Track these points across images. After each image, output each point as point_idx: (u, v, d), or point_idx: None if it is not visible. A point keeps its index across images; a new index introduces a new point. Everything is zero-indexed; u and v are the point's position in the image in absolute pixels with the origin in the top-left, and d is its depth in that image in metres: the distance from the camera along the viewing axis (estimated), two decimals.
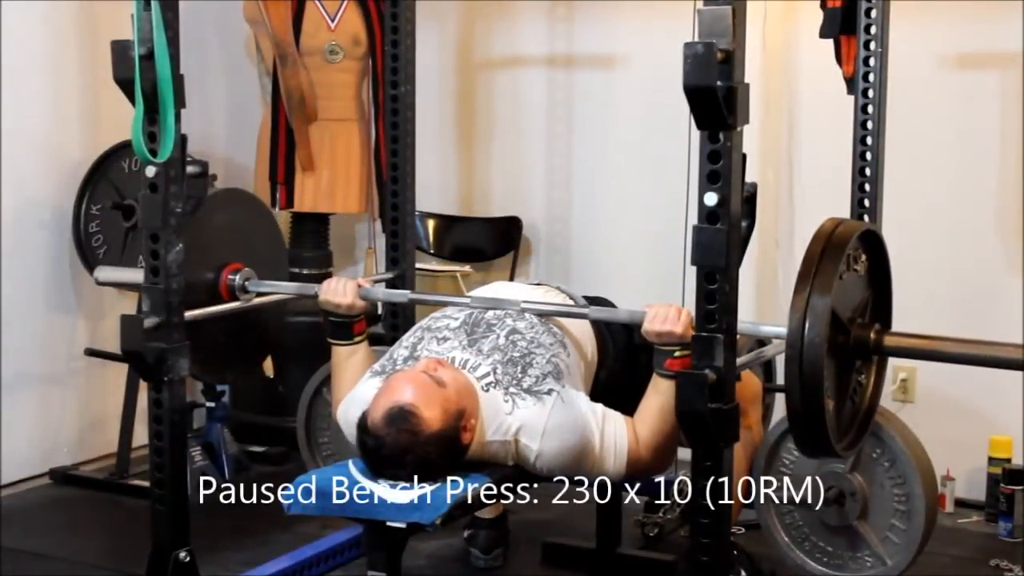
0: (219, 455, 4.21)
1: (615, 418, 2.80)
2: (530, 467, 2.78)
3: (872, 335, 2.70)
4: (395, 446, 2.59)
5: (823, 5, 3.60)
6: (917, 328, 4.00)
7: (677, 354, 2.70)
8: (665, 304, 2.73)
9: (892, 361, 4.01)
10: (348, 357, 3.09)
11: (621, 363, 3.02)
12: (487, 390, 2.75)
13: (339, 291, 3.07)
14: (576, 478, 2.85)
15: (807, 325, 2.47)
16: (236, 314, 3.33)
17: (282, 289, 3.40)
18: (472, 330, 2.88)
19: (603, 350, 3.02)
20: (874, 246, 2.75)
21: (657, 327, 2.70)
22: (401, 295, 3.30)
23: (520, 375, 2.77)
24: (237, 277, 3.29)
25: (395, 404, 2.61)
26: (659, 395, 2.76)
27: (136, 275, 3.31)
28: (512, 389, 2.75)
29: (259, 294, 3.33)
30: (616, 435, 2.78)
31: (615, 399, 2.85)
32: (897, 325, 3.74)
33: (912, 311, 3.98)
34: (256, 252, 3.43)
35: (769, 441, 3.08)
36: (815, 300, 2.48)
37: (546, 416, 2.73)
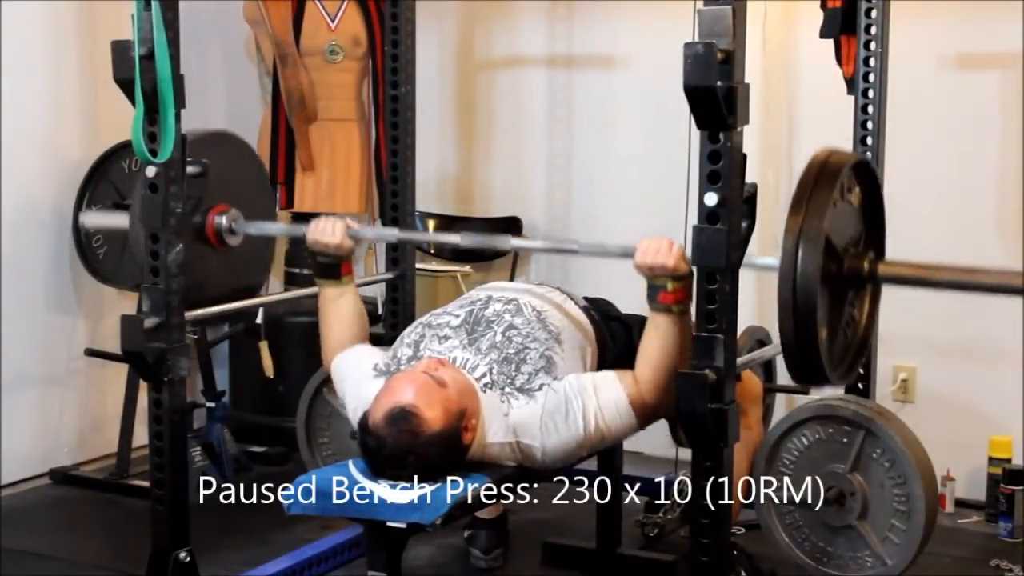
0: (219, 455, 4.21)
1: (608, 381, 2.77)
2: (539, 464, 2.77)
3: (866, 264, 2.64)
4: (396, 446, 2.59)
5: (823, 5, 3.60)
6: (917, 328, 4.04)
7: (670, 287, 2.66)
8: (656, 237, 2.68)
9: (892, 361, 4.06)
10: (336, 298, 3.10)
11: (620, 364, 3.02)
12: (485, 391, 2.75)
13: (327, 230, 3.07)
14: (590, 458, 2.82)
15: (801, 247, 2.42)
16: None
17: (269, 230, 3.39)
18: (472, 328, 2.88)
19: (603, 350, 3.01)
20: (867, 177, 2.70)
21: (649, 260, 2.66)
22: (391, 234, 3.30)
23: (514, 373, 2.77)
24: (224, 218, 3.23)
25: (396, 404, 2.61)
26: (657, 331, 2.72)
27: (121, 219, 3.29)
28: (507, 389, 2.75)
29: (246, 235, 3.28)
30: (615, 399, 2.74)
31: None
32: (896, 322, 3.75)
33: (912, 309, 4.00)
34: (243, 195, 3.38)
35: (769, 441, 3.08)
36: (809, 222, 2.43)
37: (540, 412, 2.73)
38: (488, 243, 3.12)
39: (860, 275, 2.63)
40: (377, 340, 3.45)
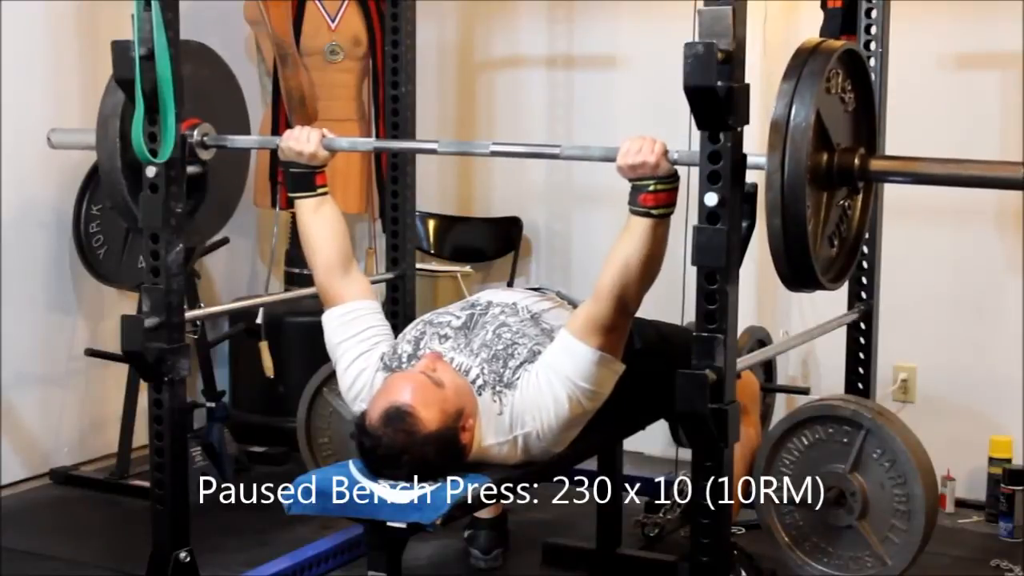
0: (219, 455, 4.21)
1: (562, 343, 2.71)
2: (542, 451, 2.75)
3: (857, 159, 2.60)
4: (392, 446, 2.59)
5: (823, 5, 3.60)
6: (917, 329, 4.04)
7: (652, 188, 2.58)
8: (639, 136, 2.62)
9: (892, 361, 4.06)
10: (315, 209, 3.05)
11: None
12: (480, 394, 2.74)
13: (302, 139, 3.03)
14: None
15: (789, 133, 2.38)
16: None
17: (242, 143, 3.37)
18: (469, 332, 2.88)
19: None
20: (857, 69, 2.67)
21: (631, 159, 2.58)
22: (366, 143, 3.31)
23: (502, 370, 2.76)
24: (195, 132, 3.16)
25: (392, 404, 2.61)
26: (630, 235, 2.61)
27: (88, 136, 3.26)
28: (497, 387, 2.74)
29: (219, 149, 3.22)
30: (574, 356, 2.68)
31: (614, 403, 2.83)
32: (896, 323, 3.75)
33: (912, 309, 4.01)
34: (216, 109, 3.35)
35: (769, 441, 3.08)
36: (798, 109, 2.40)
37: (523, 396, 2.71)
38: (466, 148, 3.10)
39: (851, 170, 2.59)
40: None
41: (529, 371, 2.74)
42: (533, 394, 2.71)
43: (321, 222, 3.04)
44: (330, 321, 2.98)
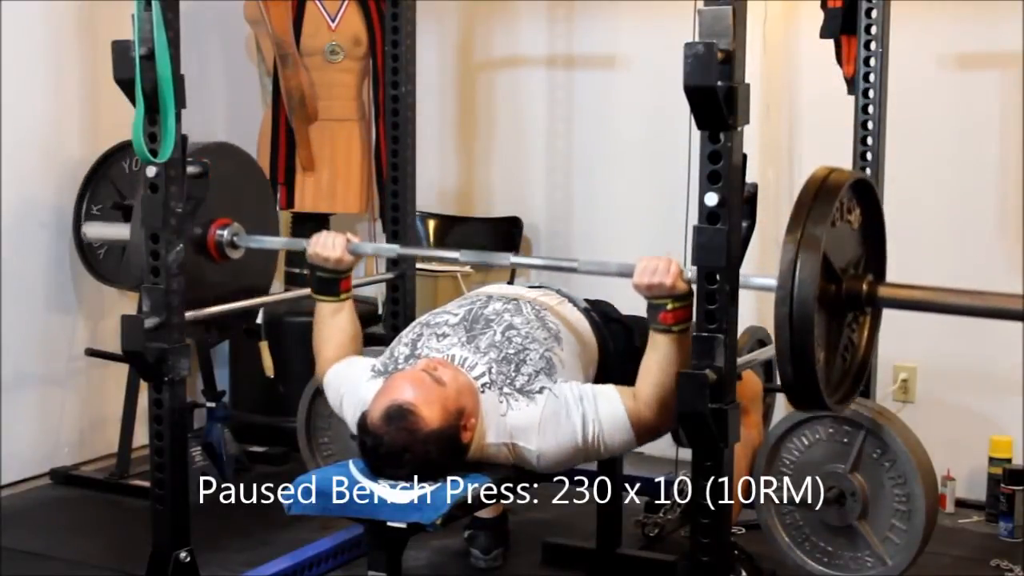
0: (219, 455, 4.21)
1: (607, 394, 2.76)
2: (532, 467, 2.77)
3: (865, 286, 2.62)
4: (393, 444, 2.59)
5: (823, 5, 3.60)
6: (917, 329, 4.03)
7: (669, 307, 2.65)
8: (655, 256, 2.66)
9: (892, 361, 4.06)
10: (333, 314, 3.10)
11: (621, 365, 3.02)
12: (484, 391, 2.74)
13: (328, 245, 3.07)
14: (586, 463, 2.82)
15: (798, 267, 2.40)
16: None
17: (270, 244, 3.41)
18: (471, 326, 2.88)
19: (603, 352, 3.01)
20: (867, 197, 2.68)
21: (647, 279, 2.64)
22: (390, 249, 3.33)
23: (514, 374, 2.76)
24: (225, 232, 3.26)
25: (394, 403, 2.61)
26: (657, 351, 2.70)
27: (122, 231, 3.30)
28: (506, 389, 2.75)
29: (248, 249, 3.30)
30: (612, 412, 2.73)
31: None
32: (896, 324, 3.75)
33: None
34: (244, 208, 3.40)
35: (769, 441, 3.08)
36: (807, 241, 2.41)
37: (539, 416, 2.72)
38: (487, 260, 3.15)
39: (859, 297, 2.62)
40: (377, 340, 3.45)
41: (556, 394, 2.74)
42: (548, 419, 2.72)
43: (336, 325, 3.11)
44: (331, 376, 3.03)
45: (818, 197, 2.47)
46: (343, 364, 3.04)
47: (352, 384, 2.94)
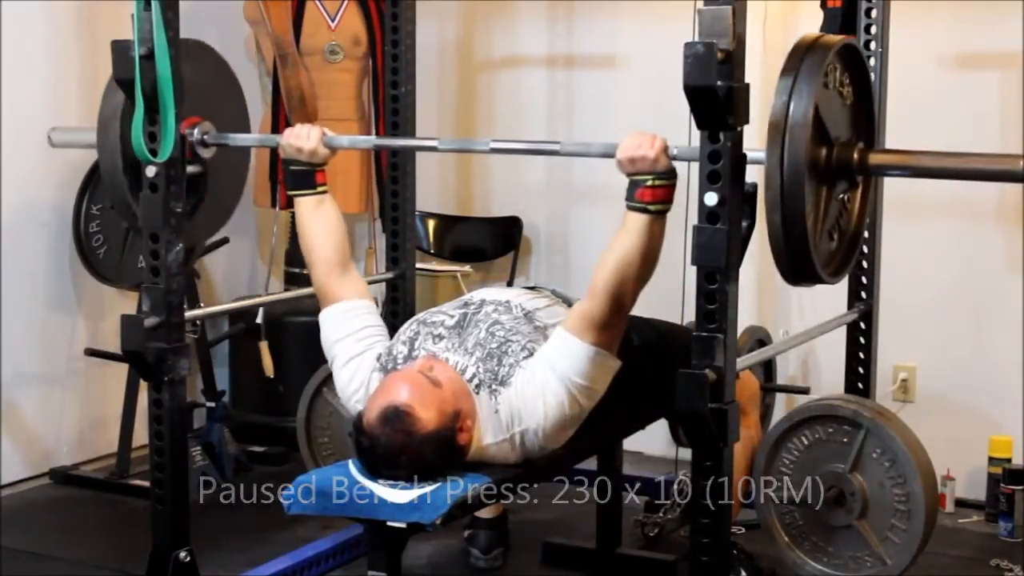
0: (219, 455, 4.21)
1: (561, 338, 2.70)
2: (540, 447, 2.73)
3: (856, 153, 2.60)
4: (390, 446, 2.58)
5: (823, 5, 3.60)
6: (917, 328, 4.04)
7: (650, 183, 2.58)
8: (639, 132, 2.62)
9: (892, 361, 4.06)
10: (315, 208, 3.05)
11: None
12: (477, 392, 2.74)
13: (303, 135, 3.03)
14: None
15: (788, 129, 2.37)
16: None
17: (242, 141, 3.38)
18: (462, 332, 2.86)
19: None
20: (856, 63, 2.66)
21: (630, 153, 2.59)
22: (367, 141, 3.34)
23: (496, 367, 2.74)
24: (196, 131, 3.17)
25: (390, 404, 2.60)
26: (627, 232, 2.60)
27: (89, 135, 3.27)
28: (493, 386, 2.73)
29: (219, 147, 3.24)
30: (574, 349, 2.67)
31: (613, 401, 2.83)
32: (897, 324, 3.75)
33: (912, 309, 4.01)
34: (216, 108, 3.35)
35: (769, 441, 3.08)
36: (796, 104, 2.39)
37: (519, 393, 2.70)
38: (465, 146, 3.12)
39: (850, 164, 2.59)
40: None
41: (524, 368, 2.73)
42: (529, 391, 2.70)
43: (320, 220, 3.04)
44: (327, 319, 2.97)
45: (810, 50, 2.46)
46: (343, 309, 2.95)
47: (356, 355, 2.89)
